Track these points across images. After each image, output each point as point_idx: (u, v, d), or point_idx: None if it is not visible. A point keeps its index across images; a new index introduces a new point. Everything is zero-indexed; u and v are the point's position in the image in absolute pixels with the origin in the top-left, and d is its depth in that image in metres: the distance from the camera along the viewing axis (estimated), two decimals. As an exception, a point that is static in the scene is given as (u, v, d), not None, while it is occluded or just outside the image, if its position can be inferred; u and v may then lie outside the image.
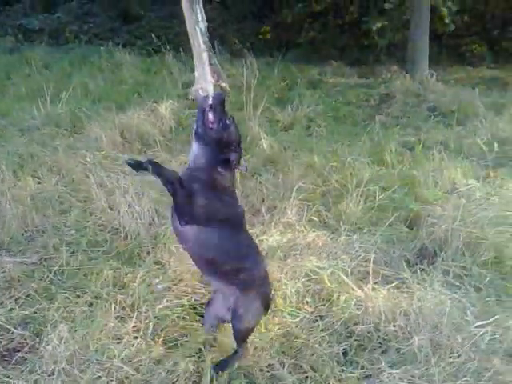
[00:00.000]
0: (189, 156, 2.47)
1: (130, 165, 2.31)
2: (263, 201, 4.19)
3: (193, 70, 8.10)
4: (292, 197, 4.03)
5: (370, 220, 3.86)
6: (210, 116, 2.35)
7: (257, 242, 2.92)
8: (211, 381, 2.35)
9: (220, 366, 2.44)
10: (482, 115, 6.06)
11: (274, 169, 4.83)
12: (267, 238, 3.62)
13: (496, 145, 4.75)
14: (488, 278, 3.13)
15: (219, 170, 2.37)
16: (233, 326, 2.47)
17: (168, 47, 9.13)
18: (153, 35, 10.27)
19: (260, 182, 4.47)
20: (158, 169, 2.29)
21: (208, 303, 2.71)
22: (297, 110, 6.50)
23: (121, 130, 5.82)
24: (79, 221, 3.96)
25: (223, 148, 2.36)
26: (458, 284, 3.09)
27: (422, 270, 3.23)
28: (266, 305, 2.57)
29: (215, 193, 2.38)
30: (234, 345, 2.53)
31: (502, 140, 5.34)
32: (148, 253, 3.47)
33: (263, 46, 11.84)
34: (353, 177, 4.33)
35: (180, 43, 9.77)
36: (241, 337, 2.48)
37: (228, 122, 2.38)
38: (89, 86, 7.71)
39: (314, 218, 3.89)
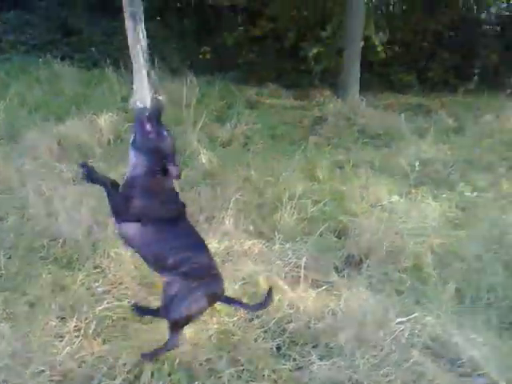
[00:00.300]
0: (127, 166, 2.56)
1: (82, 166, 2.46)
2: (201, 211, 4.32)
3: (132, 84, 8.21)
4: (229, 208, 4.21)
5: (302, 230, 4.10)
6: (148, 126, 2.45)
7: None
8: (151, 375, 2.46)
9: (149, 354, 2.53)
10: (407, 138, 6.50)
11: (213, 182, 4.98)
12: (206, 245, 3.76)
13: (417, 164, 5.19)
14: (408, 283, 3.43)
15: (157, 176, 2.48)
16: (165, 314, 2.54)
17: (108, 61, 9.12)
18: (93, 49, 10.24)
19: (199, 194, 4.63)
20: (91, 173, 2.47)
21: None
22: (235, 128, 6.72)
23: (58, 140, 5.82)
24: (16, 227, 3.94)
25: (161, 158, 2.46)
26: (380, 288, 3.36)
27: (349, 275, 3.50)
28: (211, 297, 2.62)
29: (151, 194, 2.48)
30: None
31: (424, 161, 5.76)
32: (87, 258, 3.52)
33: (203, 66, 12.01)
34: (286, 191, 4.57)
35: (120, 58, 9.82)
36: (172, 326, 2.54)
37: (165, 133, 2.49)
38: (26, 97, 7.58)
39: (250, 228, 4.08)
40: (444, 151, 6.24)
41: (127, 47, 8.81)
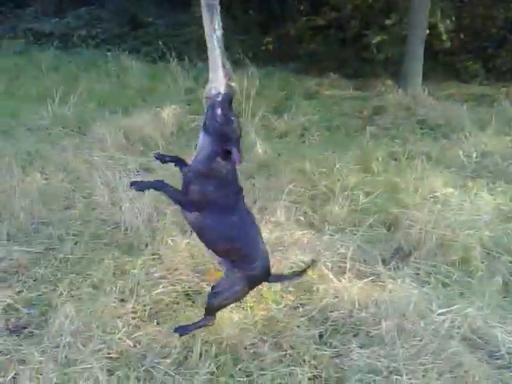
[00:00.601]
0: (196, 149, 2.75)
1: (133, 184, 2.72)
2: (255, 202, 4.47)
3: (196, 78, 8.56)
4: (282, 199, 4.35)
5: (352, 221, 4.16)
6: (218, 111, 2.64)
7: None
8: (200, 355, 2.65)
9: (180, 329, 2.75)
10: (467, 129, 6.36)
11: (268, 173, 5.13)
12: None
13: (475, 156, 5.09)
14: (455, 276, 3.44)
15: (218, 159, 2.64)
16: (207, 298, 2.74)
17: (173, 55, 9.44)
18: (159, 42, 10.61)
19: (253, 185, 4.78)
20: (141, 185, 2.73)
21: None
22: (292, 119, 6.82)
23: (125, 133, 6.14)
24: (83, 215, 4.25)
25: (225, 140, 2.61)
26: (427, 280, 3.40)
27: (396, 267, 3.55)
28: (253, 286, 2.80)
29: (209, 180, 2.64)
30: (224, 326, 2.83)
31: (484, 153, 5.66)
32: (146, 245, 3.76)
33: (266, 57, 12.15)
34: (339, 182, 4.65)
35: (185, 51, 10.14)
36: (208, 311, 2.74)
37: (233, 118, 2.66)
38: (95, 90, 8.03)
39: (301, 219, 4.19)
40: (505, 143, 6.07)
41: (192, 40, 9.15)
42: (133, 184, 2.72)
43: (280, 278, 3.04)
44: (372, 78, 9.99)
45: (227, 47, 10.85)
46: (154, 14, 14.16)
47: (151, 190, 2.82)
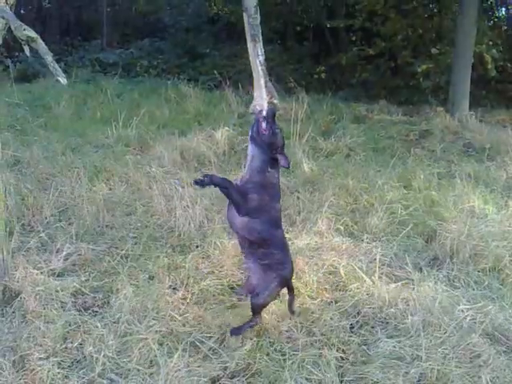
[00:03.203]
0: (246, 157, 3.14)
1: (196, 183, 3.03)
2: (299, 213, 4.78)
3: (247, 104, 9.18)
4: (324, 211, 4.64)
5: (390, 232, 4.39)
6: (263, 125, 3.03)
7: (289, 243, 3.48)
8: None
9: (236, 330, 3.03)
10: (513, 153, 6.46)
11: (312, 188, 5.43)
12: (298, 242, 4.21)
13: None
14: (486, 282, 3.61)
15: (269, 169, 3.02)
16: (250, 301, 3.07)
17: (228, 83, 10.00)
18: (215, 72, 11.25)
19: (298, 198, 5.10)
20: (212, 179, 3.01)
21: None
22: (339, 141, 7.12)
23: (181, 151, 6.61)
24: (141, 220, 4.69)
25: (272, 150, 3.01)
26: (457, 285, 3.59)
27: (429, 274, 3.75)
28: (284, 284, 3.13)
29: (265, 189, 3.02)
30: (263, 315, 3.14)
31: (529, 176, 5.77)
32: (197, 246, 4.14)
33: (317, 86, 12.57)
34: (380, 197, 4.89)
35: (239, 80, 10.72)
36: (254, 310, 3.05)
37: (276, 130, 3.06)
38: (156, 114, 8.62)
39: (341, 228, 4.46)
40: (551, 166, 6.13)
41: (246, 70, 9.84)
42: (205, 176, 3.02)
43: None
44: (421, 104, 10.18)
45: (279, 76, 11.64)
46: (211, 46, 14.97)
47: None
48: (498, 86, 11.24)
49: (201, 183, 3.01)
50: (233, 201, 3.02)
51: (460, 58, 8.97)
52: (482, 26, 9.61)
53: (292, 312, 3.21)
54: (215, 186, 3.05)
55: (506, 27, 12.11)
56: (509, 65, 10.87)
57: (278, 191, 3.16)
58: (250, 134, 3.10)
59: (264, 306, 3.10)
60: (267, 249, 3.05)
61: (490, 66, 9.54)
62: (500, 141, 7.24)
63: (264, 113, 3.10)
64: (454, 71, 9.18)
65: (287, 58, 14.58)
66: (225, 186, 3.02)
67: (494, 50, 9.54)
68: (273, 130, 3.03)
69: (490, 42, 9.69)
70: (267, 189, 3.03)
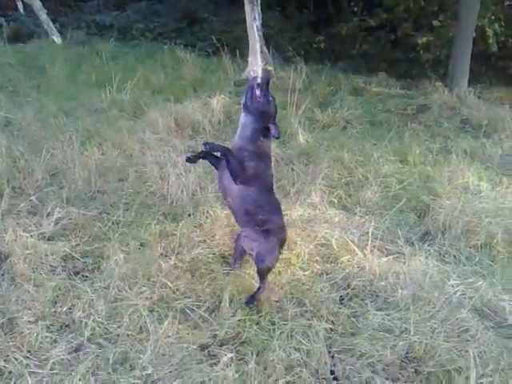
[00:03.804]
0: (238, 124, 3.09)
1: (188, 160, 3.06)
2: (293, 185, 4.74)
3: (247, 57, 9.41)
4: (318, 183, 4.61)
5: (384, 206, 4.38)
6: (257, 92, 2.98)
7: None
8: (230, 303, 2.97)
9: (250, 300, 3.05)
10: (509, 130, 6.42)
11: (307, 160, 5.40)
12: (291, 213, 4.20)
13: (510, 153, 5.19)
14: (477, 258, 3.62)
15: (261, 139, 2.99)
16: (256, 266, 3.08)
17: (226, 50, 9.82)
18: (213, 37, 11.04)
19: (292, 170, 5.06)
20: (213, 146, 3.04)
21: (236, 239, 3.34)
22: (336, 113, 7.05)
23: (175, 118, 6.52)
24: (134, 187, 4.62)
25: (265, 119, 2.98)
26: (448, 260, 3.60)
27: (421, 248, 3.75)
28: (282, 246, 3.16)
29: (259, 157, 3.00)
30: (253, 286, 3.14)
31: (525, 152, 5.75)
32: (189, 215, 4.11)
33: (316, 56, 12.39)
34: (375, 170, 4.87)
35: (237, 47, 10.54)
36: (262, 274, 3.07)
37: (270, 98, 3.01)
38: (151, 79, 8.48)
39: (335, 201, 4.44)
40: (548, 144, 6.12)
41: (245, 37, 9.69)
42: (206, 144, 3.04)
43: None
44: (420, 78, 10.08)
45: (278, 44, 11.42)
46: (210, 11, 14.66)
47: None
48: (499, 62, 11.13)
49: (193, 159, 3.08)
50: (231, 169, 2.97)
51: (462, 32, 8.83)
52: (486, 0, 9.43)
53: None
54: (216, 152, 3.05)
55: (508, 2, 11.89)
56: (510, 40, 10.73)
57: (270, 159, 3.14)
58: (243, 101, 3.05)
59: (270, 269, 3.12)
60: (265, 215, 3.03)
61: (491, 41, 9.42)
62: (497, 118, 7.18)
63: (259, 80, 3.04)
64: (455, 45, 9.04)
65: (286, 25, 14.31)
66: (225, 153, 2.98)
67: (496, 25, 9.40)
68: (267, 98, 2.99)
69: (493, 17, 9.53)
70: (262, 157, 3.01)
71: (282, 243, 3.13)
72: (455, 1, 9.56)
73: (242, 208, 3.06)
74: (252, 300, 3.05)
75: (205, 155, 3.11)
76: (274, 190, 3.18)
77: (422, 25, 11.18)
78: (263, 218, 3.03)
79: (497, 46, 9.81)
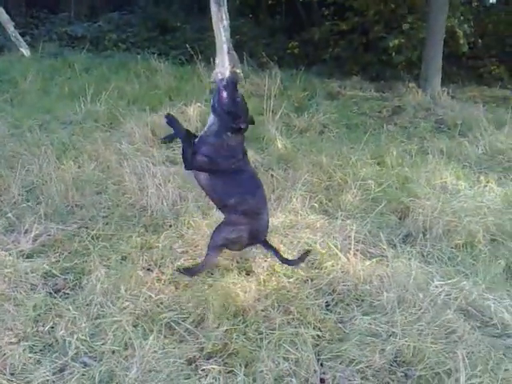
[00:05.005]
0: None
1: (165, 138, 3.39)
2: (273, 191, 4.72)
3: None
4: (298, 188, 4.61)
5: (364, 209, 4.40)
6: (224, 94, 2.99)
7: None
8: (215, 314, 2.93)
9: (189, 270, 3.25)
10: (484, 128, 6.52)
11: (286, 165, 5.40)
12: (273, 219, 4.18)
13: (490, 153, 5.27)
14: (459, 258, 3.65)
15: (228, 134, 3.01)
16: (212, 234, 3.19)
17: (200, 57, 9.79)
18: (187, 46, 11.00)
19: (272, 176, 5.05)
20: (171, 120, 3.19)
21: None
22: (313, 117, 7.08)
23: (152, 128, 6.46)
24: (112, 199, 4.56)
25: (233, 120, 2.99)
26: (430, 261, 3.62)
27: (403, 250, 3.76)
28: (253, 235, 3.20)
29: (215, 151, 3.03)
30: (238, 294, 3.11)
31: (498, 151, 5.83)
32: (170, 225, 4.07)
33: (290, 61, 12.45)
34: (353, 173, 4.89)
35: (211, 54, 10.51)
36: (212, 247, 3.18)
37: (238, 99, 3.02)
38: (125, 89, 8.39)
39: (316, 206, 4.44)
40: (521, 142, 6.22)
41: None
42: (167, 116, 3.24)
43: (273, 249, 3.33)
44: (393, 80, 10.20)
45: (252, 50, 11.43)
46: (181, 19, 14.63)
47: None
48: (470, 62, 11.33)
49: (169, 138, 3.42)
50: (182, 153, 3.11)
51: (432, 33, 8.97)
52: (454, 1, 9.59)
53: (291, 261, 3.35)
54: (172, 126, 3.21)
55: (477, 3, 12.14)
56: (480, 41, 10.93)
57: (238, 150, 3.14)
58: (211, 103, 3.07)
59: (222, 246, 3.22)
60: (236, 198, 3.11)
61: (461, 41, 9.58)
62: (471, 117, 7.30)
63: (225, 81, 3.05)
64: (426, 46, 9.18)
65: (259, 32, 14.36)
66: (180, 137, 3.16)
67: (466, 26, 9.56)
68: (233, 99, 3.00)
69: (462, 17, 9.70)
70: (222, 151, 3.05)
71: (253, 230, 3.17)
72: (424, 3, 9.70)
73: (211, 196, 3.22)
74: (191, 272, 3.22)
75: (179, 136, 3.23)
76: (253, 173, 3.31)
77: (393, 27, 11.31)
78: (233, 205, 3.11)
79: (467, 46, 9.97)
